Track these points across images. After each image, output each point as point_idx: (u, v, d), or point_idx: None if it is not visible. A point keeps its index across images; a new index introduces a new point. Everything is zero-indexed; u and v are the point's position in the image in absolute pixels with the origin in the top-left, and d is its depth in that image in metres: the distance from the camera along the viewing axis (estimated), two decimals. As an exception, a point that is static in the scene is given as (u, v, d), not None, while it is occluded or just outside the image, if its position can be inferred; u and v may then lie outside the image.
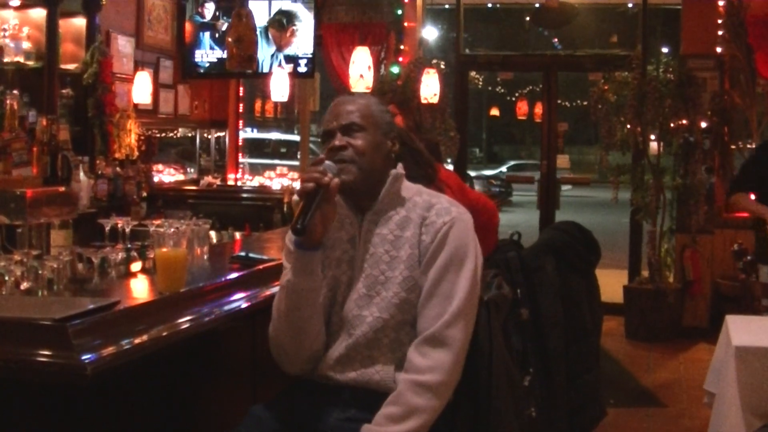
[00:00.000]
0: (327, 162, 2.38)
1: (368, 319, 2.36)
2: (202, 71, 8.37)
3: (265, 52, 8.10)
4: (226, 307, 2.66)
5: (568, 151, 21.85)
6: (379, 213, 2.45)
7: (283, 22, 8.16)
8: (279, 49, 8.13)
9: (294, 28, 8.12)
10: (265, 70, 8.10)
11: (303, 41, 8.12)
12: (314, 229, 2.35)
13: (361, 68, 7.31)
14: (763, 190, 5.19)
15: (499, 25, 20.16)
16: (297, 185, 2.45)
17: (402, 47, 8.14)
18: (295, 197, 5.84)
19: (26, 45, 6.29)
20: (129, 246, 3.21)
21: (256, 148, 15.66)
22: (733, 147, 7.50)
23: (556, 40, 16.57)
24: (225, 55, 8.04)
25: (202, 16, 8.32)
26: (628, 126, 7.40)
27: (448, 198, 2.53)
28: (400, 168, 2.50)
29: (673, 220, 7.65)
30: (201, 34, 8.32)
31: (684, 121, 7.30)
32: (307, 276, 2.36)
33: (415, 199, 2.47)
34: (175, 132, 8.81)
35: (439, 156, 4.79)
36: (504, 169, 26.80)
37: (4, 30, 6.19)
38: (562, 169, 11.75)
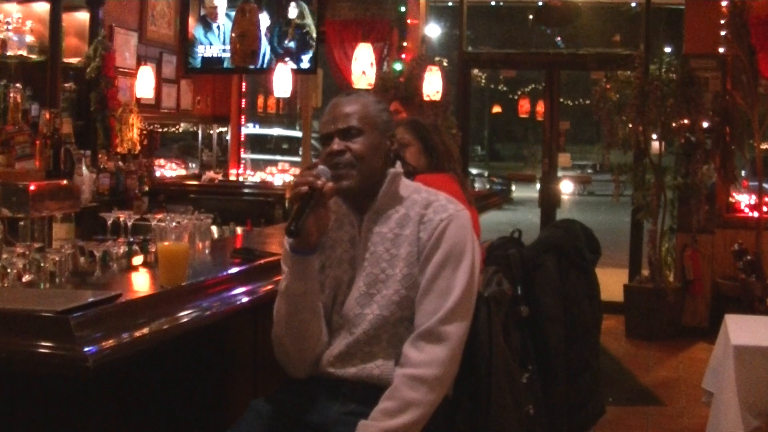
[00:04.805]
0: (321, 167, 2.37)
1: (369, 316, 2.37)
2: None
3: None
4: (228, 302, 2.66)
5: (570, 149, 21.84)
6: (379, 212, 2.45)
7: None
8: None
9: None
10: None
11: (305, 37, 8.13)
12: (309, 233, 2.34)
13: (363, 65, 7.31)
14: None
15: (502, 23, 20.10)
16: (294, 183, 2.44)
17: (405, 44, 8.15)
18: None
19: (29, 39, 6.30)
20: (131, 240, 3.21)
21: (258, 143, 15.65)
22: (734, 147, 7.50)
23: (558, 38, 16.56)
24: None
25: None
26: (630, 125, 7.40)
27: (447, 196, 2.51)
28: (398, 167, 2.50)
29: (673, 220, 7.65)
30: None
31: (686, 121, 7.30)
32: (304, 280, 2.37)
33: (414, 197, 2.47)
34: (178, 127, 8.82)
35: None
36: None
37: (8, 23, 6.20)
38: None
